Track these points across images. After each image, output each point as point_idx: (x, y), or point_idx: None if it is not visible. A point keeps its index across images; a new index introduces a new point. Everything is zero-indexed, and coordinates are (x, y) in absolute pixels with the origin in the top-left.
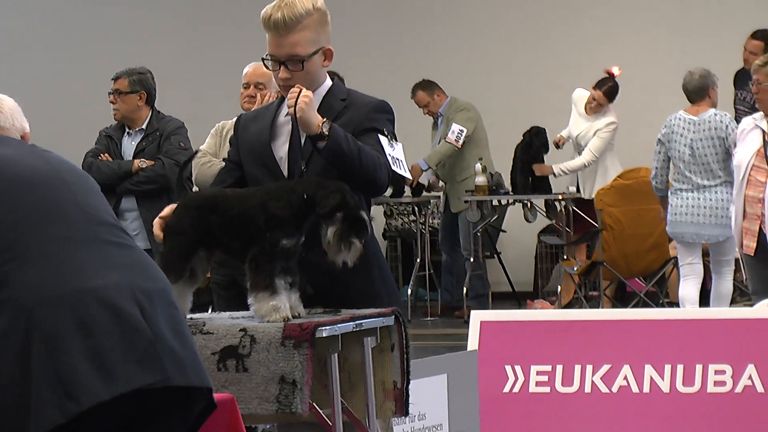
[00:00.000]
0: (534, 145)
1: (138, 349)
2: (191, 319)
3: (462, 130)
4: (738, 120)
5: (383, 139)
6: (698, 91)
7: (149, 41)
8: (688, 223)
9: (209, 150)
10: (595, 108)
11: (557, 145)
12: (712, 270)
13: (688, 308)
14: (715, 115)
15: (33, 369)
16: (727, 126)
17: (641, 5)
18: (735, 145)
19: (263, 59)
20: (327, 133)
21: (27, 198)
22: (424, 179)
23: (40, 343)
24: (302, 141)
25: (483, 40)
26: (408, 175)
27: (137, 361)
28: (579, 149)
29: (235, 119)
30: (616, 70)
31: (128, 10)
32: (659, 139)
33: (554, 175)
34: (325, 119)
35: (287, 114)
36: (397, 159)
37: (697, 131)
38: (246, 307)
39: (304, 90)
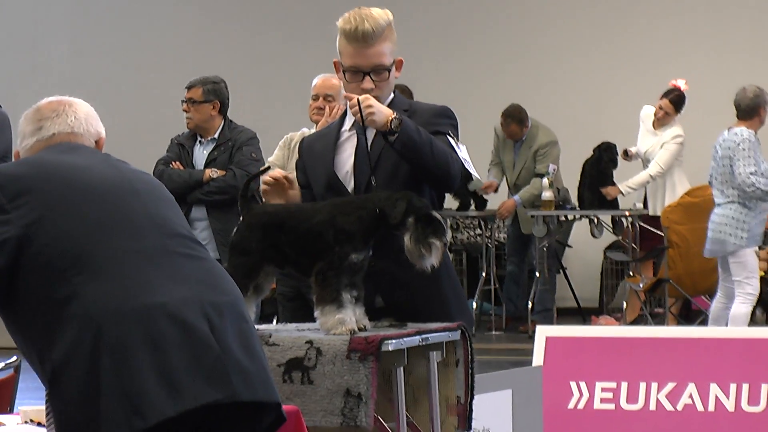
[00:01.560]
0: (603, 160)
1: (205, 365)
2: (257, 330)
3: (555, 168)
4: None
5: (450, 140)
6: (749, 111)
7: (218, 51)
8: (707, 240)
9: (277, 162)
10: (662, 118)
11: (626, 154)
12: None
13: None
14: (735, 133)
15: (102, 383)
16: (738, 144)
17: (711, 23)
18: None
19: (344, 71)
20: (398, 124)
21: (97, 209)
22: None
23: (108, 357)
24: (368, 149)
25: (553, 58)
26: (476, 174)
27: (205, 377)
28: (648, 165)
29: (300, 132)
30: (682, 84)
31: (199, 19)
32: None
33: (622, 194)
34: (394, 114)
35: (351, 128)
36: (465, 159)
37: (722, 148)
38: (311, 319)
39: (359, 97)
